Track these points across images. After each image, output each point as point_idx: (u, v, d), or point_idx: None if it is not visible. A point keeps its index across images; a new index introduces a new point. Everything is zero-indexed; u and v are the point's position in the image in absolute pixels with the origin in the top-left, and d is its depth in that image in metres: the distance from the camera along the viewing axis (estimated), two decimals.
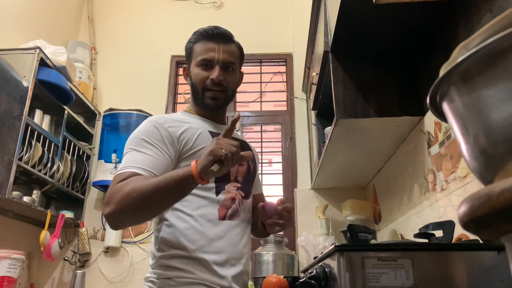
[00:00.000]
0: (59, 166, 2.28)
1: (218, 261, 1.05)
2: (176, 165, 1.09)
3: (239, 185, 1.17)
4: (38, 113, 2.21)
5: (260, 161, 2.72)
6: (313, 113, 2.38)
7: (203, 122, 1.20)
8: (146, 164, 1.01)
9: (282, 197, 1.12)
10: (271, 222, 1.11)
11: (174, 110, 2.92)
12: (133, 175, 0.98)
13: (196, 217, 1.07)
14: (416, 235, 1.03)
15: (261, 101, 2.92)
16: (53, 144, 2.24)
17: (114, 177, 1.00)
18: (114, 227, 1.00)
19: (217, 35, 1.18)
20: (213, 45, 1.17)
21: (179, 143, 1.09)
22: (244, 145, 1.27)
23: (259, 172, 2.68)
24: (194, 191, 1.04)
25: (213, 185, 1.11)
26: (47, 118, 2.28)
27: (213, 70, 1.16)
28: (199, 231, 1.06)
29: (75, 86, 2.50)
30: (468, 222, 0.32)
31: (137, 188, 0.93)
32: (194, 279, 1.02)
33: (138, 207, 0.94)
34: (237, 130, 2.69)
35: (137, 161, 1.01)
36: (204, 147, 1.09)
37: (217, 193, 1.11)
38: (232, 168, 0.99)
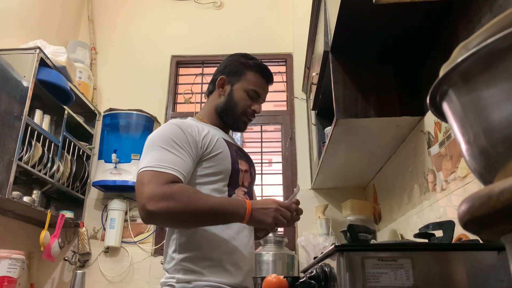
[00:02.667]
0: (59, 166, 2.28)
1: (232, 261, 1.10)
2: (196, 165, 1.15)
3: (245, 190, 1.23)
4: (38, 113, 2.21)
5: (260, 161, 2.74)
6: (313, 113, 2.38)
7: (216, 130, 1.26)
8: (180, 167, 1.05)
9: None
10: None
11: (174, 110, 2.93)
12: (177, 179, 1.03)
13: None
14: (416, 235, 1.03)
15: None
16: (53, 144, 2.24)
17: (151, 173, 1.01)
18: (154, 220, 1.01)
19: (271, 79, 1.35)
20: (265, 84, 1.33)
21: (202, 146, 1.14)
22: (244, 152, 1.34)
23: (259, 172, 2.70)
24: (210, 193, 1.12)
25: (226, 188, 1.17)
26: (47, 118, 2.28)
27: (256, 103, 1.29)
28: (214, 233, 1.11)
29: (75, 86, 2.50)
30: (468, 222, 0.32)
31: (196, 203, 1.00)
32: (211, 281, 1.06)
33: (190, 218, 1.02)
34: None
35: (173, 162, 1.05)
36: (222, 152, 1.17)
37: (229, 196, 1.17)
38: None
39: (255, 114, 1.30)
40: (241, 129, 1.31)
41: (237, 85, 1.27)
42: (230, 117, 1.27)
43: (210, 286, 1.05)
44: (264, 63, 1.36)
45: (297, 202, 1.12)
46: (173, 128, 1.12)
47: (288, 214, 1.06)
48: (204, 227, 1.10)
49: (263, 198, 1.13)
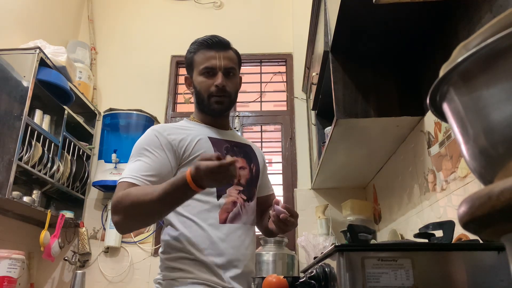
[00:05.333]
0: (59, 166, 2.28)
1: (220, 263, 1.09)
2: (176, 171, 1.13)
3: (241, 188, 1.20)
4: (38, 113, 2.21)
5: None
6: (313, 113, 2.38)
7: (206, 129, 1.23)
8: (143, 170, 1.07)
9: (286, 206, 1.11)
10: (275, 230, 1.16)
11: (174, 110, 2.93)
12: (131, 185, 1.04)
13: (198, 221, 1.11)
14: (416, 235, 1.03)
15: (261, 101, 2.92)
16: (53, 144, 2.24)
17: (117, 186, 1.07)
18: (123, 232, 1.13)
19: (216, 44, 1.23)
20: (213, 53, 1.21)
21: (179, 149, 1.14)
22: (248, 150, 1.30)
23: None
24: (196, 196, 1.08)
25: (214, 189, 1.14)
26: (47, 118, 2.28)
27: (216, 77, 1.20)
28: (201, 235, 1.10)
29: (75, 86, 2.50)
30: (468, 222, 0.32)
31: (140, 198, 0.99)
32: (196, 279, 1.06)
33: (141, 216, 1.03)
34: (236, 130, 2.69)
35: (135, 169, 1.08)
36: (202, 152, 1.13)
37: (218, 197, 1.15)
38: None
39: (222, 88, 1.19)
40: (218, 109, 1.21)
41: (194, 74, 1.24)
42: (204, 106, 1.23)
43: (196, 283, 1.05)
44: (207, 36, 1.25)
45: (287, 208, 1.09)
46: (147, 136, 1.15)
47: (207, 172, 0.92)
48: (188, 228, 1.10)
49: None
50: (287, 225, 1.09)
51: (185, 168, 1.13)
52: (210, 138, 1.20)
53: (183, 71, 3.08)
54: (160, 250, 1.16)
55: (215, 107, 1.21)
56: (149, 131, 1.18)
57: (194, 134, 1.18)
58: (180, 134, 1.16)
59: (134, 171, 1.07)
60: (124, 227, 1.06)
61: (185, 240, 1.10)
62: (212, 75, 1.20)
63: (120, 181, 1.07)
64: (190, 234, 1.10)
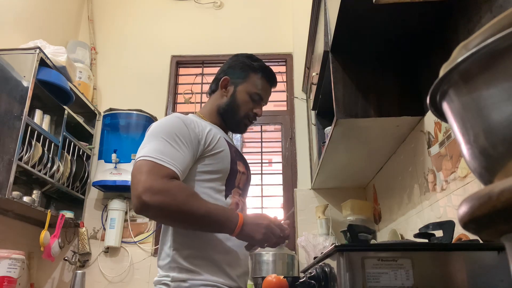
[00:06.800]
0: (59, 166, 2.28)
1: (228, 261, 1.10)
2: (196, 161, 1.13)
3: (240, 191, 1.23)
4: (38, 113, 2.21)
5: (260, 161, 2.74)
6: (313, 113, 2.38)
7: (217, 129, 1.25)
8: (180, 163, 1.03)
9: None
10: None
11: (174, 110, 2.92)
12: (176, 175, 1.01)
13: None
14: (416, 235, 1.03)
15: None
16: (53, 144, 2.24)
17: (151, 163, 0.99)
18: (146, 212, 0.98)
19: (275, 83, 1.36)
20: (269, 88, 1.33)
21: (205, 142, 1.13)
22: (237, 154, 1.30)
23: (259, 172, 2.70)
24: (208, 191, 1.11)
25: (223, 188, 1.16)
26: (47, 118, 2.28)
27: (258, 106, 1.30)
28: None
29: (75, 86, 2.50)
30: (468, 222, 0.32)
31: (191, 204, 0.98)
32: (207, 281, 1.05)
33: (182, 218, 1.00)
34: None
35: (173, 157, 1.03)
36: (223, 150, 1.16)
37: (226, 196, 1.16)
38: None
39: (257, 117, 1.30)
40: (242, 131, 1.32)
41: (241, 87, 1.26)
42: (232, 119, 1.27)
43: (207, 285, 1.04)
44: (269, 66, 1.36)
45: (289, 224, 1.14)
46: (177, 122, 1.10)
47: (278, 232, 1.05)
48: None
49: (255, 214, 1.10)
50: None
51: (206, 161, 1.12)
52: (225, 139, 1.22)
53: (183, 71, 3.08)
54: (166, 246, 1.10)
55: (242, 129, 1.30)
56: (175, 118, 1.12)
57: (215, 131, 1.19)
58: (205, 127, 1.16)
59: (173, 160, 1.02)
60: (160, 212, 0.98)
61: (196, 235, 1.08)
62: (257, 102, 1.28)
63: (158, 161, 0.99)
64: (199, 232, 1.09)
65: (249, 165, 1.36)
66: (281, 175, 2.68)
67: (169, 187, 0.97)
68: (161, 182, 0.96)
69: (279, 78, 2.90)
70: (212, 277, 1.06)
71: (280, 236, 1.06)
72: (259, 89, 1.27)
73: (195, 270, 1.05)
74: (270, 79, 1.32)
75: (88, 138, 2.73)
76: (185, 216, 0.99)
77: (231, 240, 1.11)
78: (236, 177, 1.20)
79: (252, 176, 1.38)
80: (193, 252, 1.07)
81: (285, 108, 2.87)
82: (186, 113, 1.31)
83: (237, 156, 1.23)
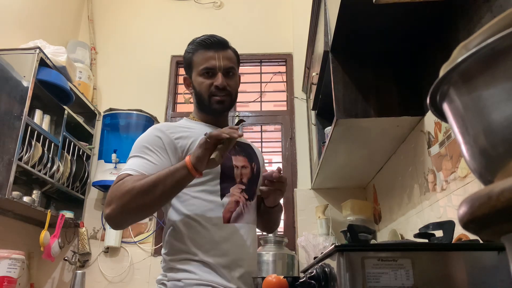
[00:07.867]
0: (59, 166, 2.28)
1: (224, 264, 1.08)
2: None
3: (243, 187, 1.20)
4: (38, 113, 2.21)
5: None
6: (313, 113, 2.38)
7: (207, 128, 1.22)
8: (143, 168, 1.05)
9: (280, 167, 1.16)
10: (264, 189, 1.17)
11: (174, 110, 2.93)
12: (127, 176, 1.03)
13: (201, 221, 1.10)
14: (416, 235, 1.03)
15: (261, 101, 2.92)
16: (53, 144, 2.24)
17: (115, 180, 1.05)
18: (116, 226, 1.03)
19: (214, 43, 1.22)
20: (212, 53, 1.21)
21: (182, 148, 1.13)
22: (249, 149, 1.30)
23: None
24: (200, 195, 1.10)
25: (218, 188, 1.14)
26: (47, 118, 2.28)
27: (216, 77, 1.20)
28: (205, 235, 1.09)
29: (75, 86, 2.50)
30: (468, 222, 0.32)
31: (136, 186, 0.98)
32: (201, 280, 1.05)
33: (138, 203, 0.98)
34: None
35: (136, 165, 1.06)
36: None
37: (222, 196, 1.14)
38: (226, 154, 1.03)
39: (222, 88, 1.19)
40: (219, 109, 1.21)
41: (193, 75, 1.23)
42: (204, 106, 1.23)
43: (201, 285, 1.04)
44: (205, 35, 1.25)
45: (280, 171, 1.16)
46: (149, 134, 1.14)
47: (220, 133, 0.96)
48: (191, 229, 1.09)
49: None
50: (282, 184, 1.16)
51: None
52: None
53: (183, 71, 3.05)
54: (163, 251, 1.14)
55: (217, 107, 1.21)
56: (151, 129, 1.17)
57: (197, 134, 1.16)
58: (183, 132, 1.16)
59: (135, 166, 1.05)
60: (119, 218, 1.00)
61: (189, 241, 1.09)
62: (211, 75, 1.20)
63: (118, 174, 1.05)
64: (194, 235, 1.09)
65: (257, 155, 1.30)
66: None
67: (113, 189, 1.00)
68: (109, 192, 1.01)
69: (279, 78, 2.93)
70: (207, 276, 1.05)
71: (223, 133, 0.96)
72: (203, 63, 1.20)
73: (190, 270, 1.06)
74: (205, 45, 1.21)
75: (88, 138, 2.73)
76: (140, 200, 0.97)
77: (229, 241, 1.10)
78: (233, 173, 1.17)
79: (265, 165, 1.35)
80: (186, 256, 1.08)
81: (285, 108, 2.87)
82: (186, 116, 1.31)
83: (233, 150, 1.19)
